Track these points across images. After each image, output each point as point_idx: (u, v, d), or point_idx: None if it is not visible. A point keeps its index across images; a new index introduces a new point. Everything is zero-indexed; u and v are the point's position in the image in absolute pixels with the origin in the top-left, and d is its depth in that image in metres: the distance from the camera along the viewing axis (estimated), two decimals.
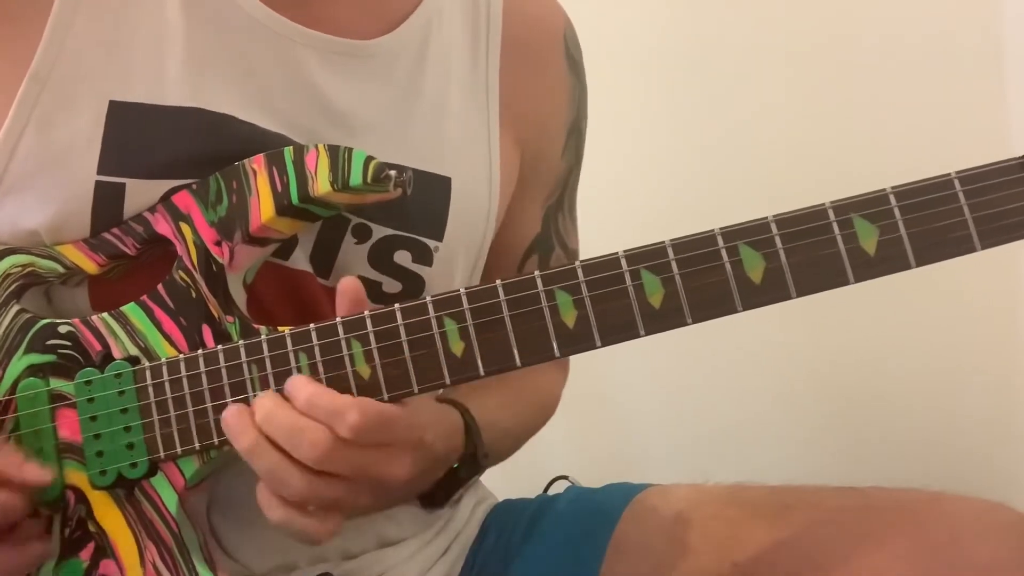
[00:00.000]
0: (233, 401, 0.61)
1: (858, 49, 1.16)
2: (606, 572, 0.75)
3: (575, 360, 0.83)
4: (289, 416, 0.57)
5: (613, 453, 1.36)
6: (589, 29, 0.86)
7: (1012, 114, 1.06)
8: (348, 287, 0.61)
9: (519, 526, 0.81)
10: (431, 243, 0.72)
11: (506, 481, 0.73)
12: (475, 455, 0.72)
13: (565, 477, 1.17)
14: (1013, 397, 1.11)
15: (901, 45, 1.13)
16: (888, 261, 0.58)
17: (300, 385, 0.58)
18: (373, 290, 0.71)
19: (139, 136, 0.66)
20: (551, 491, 1.11)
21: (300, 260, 0.69)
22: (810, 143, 1.19)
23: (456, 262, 0.74)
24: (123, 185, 0.65)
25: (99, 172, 0.65)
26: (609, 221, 1.01)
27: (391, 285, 0.71)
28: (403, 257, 0.71)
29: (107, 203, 0.65)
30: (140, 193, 0.65)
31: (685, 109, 1.27)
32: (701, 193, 1.25)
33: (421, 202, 0.72)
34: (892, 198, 0.59)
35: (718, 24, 1.25)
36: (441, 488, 0.73)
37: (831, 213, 0.59)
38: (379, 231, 0.70)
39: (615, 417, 1.38)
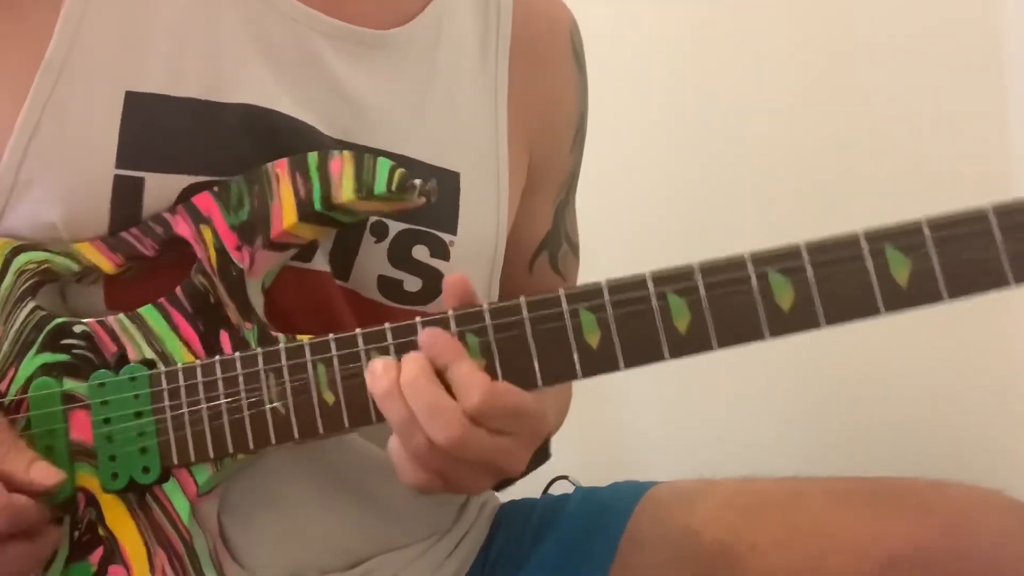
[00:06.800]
0: (250, 410, 0.61)
1: (858, 50, 1.15)
2: (619, 566, 0.75)
3: None
4: (430, 391, 0.56)
5: (613, 453, 1.36)
6: (590, 30, 0.87)
7: (1012, 113, 1.06)
8: (455, 282, 0.60)
9: (528, 527, 0.82)
10: (446, 237, 0.72)
11: None
12: (547, 443, 0.72)
13: (565, 477, 1.17)
14: (1011, 391, 1.11)
15: (902, 47, 1.13)
16: (920, 294, 0.57)
17: (445, 347, 0.57)
18: (394, 289, 0.70)
19: (157, 128, 0.65)
20: (551, 491, 1.11)
21: (320, 262, 0.68)
22: (809, 143, 1.18)
23: (472, 257, 0.74)
24: (142, 179, 0.64)
25: (117, 165, 0.64)
26: (612, 222, 1.01)
27: (412, 283, 0.71)
28: (421, 252, 0.71)
29: (126, 198, 0.64)
30: (159, 188, 0.64)
31: (686, 111, 1.27)
32: (701, 193, 1.25)
33: None
34: (926, 229, 0.58)
35: (718, 26, 1.25)
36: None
37: (863, 242, 0.58)
38: (395, 227, 0.70)
39: (615, 417, 1.38)
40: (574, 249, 0.88)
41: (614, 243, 1.10)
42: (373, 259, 0.70)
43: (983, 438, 1.11)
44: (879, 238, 0.58)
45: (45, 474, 0.60)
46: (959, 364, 1.12)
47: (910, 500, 0.68)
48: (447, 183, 0.74)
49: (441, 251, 0.72)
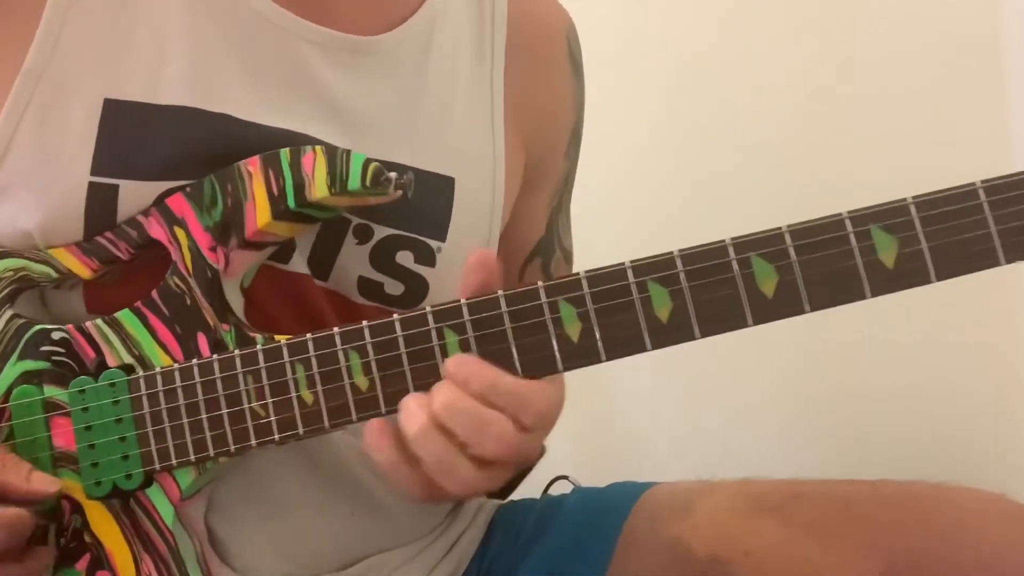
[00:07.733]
0: (229, 413, 0.60)
1: (857, 50, 1.13)
2: (616, 567, 0.74)
3: None
4: (472, 408, 0.54)
5: (613, 453, 1.35)
6: (591, 34, 0.85)
7: (1012, 113, 1.04)
8: (478, 259, 0.59)
9: (526, 526, 0.81)
10: (434, 243, 0.71)
11: None
12: None
13: (565, 477, 1.16)
14: (1013, 394, 1.09)
15: (901, 46, 1.11)
16: (908, 275, 0.55)
17: (475, 370, 0.55)
18: (375, 292, 0.69)
19: (134, 136, 0.64)
20: (551, 491, 1.10)
21: (298, 263, 0.67)
22: (809, 144, 1.16)
23: (459, 264, 0.72)
24: (116, 187, 0.63)
25: (92, 173, 0.63)
26: (612, 228, 0.99)
27: (393, 287, 0.69)
28: (405, 258, 0.70)
29: (100, 205, 0.63)
30: (134, 195, 0.64)
31: (687, 115, 1.25)
32: (701, 195, 1.23)
33: (424, 202, 0.70)
34: (913, 208, 0.56)
35: (717, 29, 1.23)
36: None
37: (848, 224, 0.56)
38: (381, 231, 0.69)
39: (615, 417, 1.37)
40: (567, 256, 0.86)
41: (613, 245, 1.09)
42: (353, 261, 0.68)
43: (986, 441, 1.10)
44: (865, 219, 0.56)
45: (45, 482, 0.60)
46: (962, 365, 1.11)
47: (911, 504, 0.67)
48: (441, 189, 0.72)
49: (427, 257, 0.70)
